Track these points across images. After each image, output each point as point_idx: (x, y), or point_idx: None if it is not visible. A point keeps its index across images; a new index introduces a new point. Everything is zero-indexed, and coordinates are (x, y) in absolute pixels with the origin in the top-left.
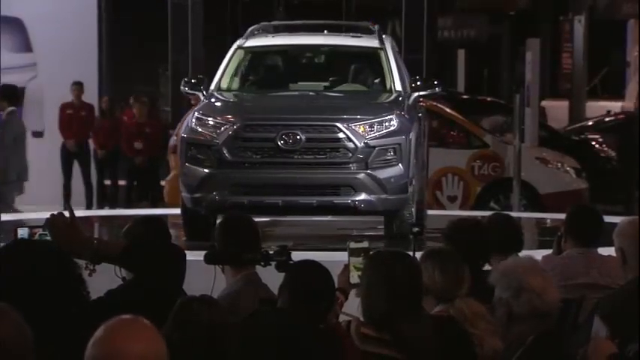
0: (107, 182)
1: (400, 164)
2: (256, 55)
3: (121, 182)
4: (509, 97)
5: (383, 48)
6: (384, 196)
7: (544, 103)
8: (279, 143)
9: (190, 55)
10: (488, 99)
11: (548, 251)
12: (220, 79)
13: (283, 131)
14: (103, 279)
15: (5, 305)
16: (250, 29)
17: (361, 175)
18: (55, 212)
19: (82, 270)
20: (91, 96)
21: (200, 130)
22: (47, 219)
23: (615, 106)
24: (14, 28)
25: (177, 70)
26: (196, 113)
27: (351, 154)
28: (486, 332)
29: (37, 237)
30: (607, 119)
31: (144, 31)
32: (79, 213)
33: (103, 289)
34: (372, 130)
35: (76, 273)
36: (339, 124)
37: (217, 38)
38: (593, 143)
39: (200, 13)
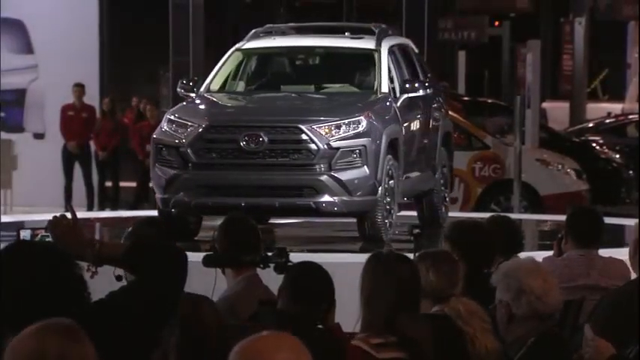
0: (108, 184)
1: (365, 166)
2: (253, 56)
3: (123, 184)
4: (509, 99)
5: (378, 50)
6: (346, 197)
7: (545, 104)
8: (241, 145)
9: (191, 57)
10: (489, 100)
11: (549, 253)
12: (211, 81)
13: (246, 133)
14: (104, 281)
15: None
16: (253, 31)
17: (323, 177)
18: (57, 214)
19: (83, 272)
20: (92, 97)
21: (170, 132)
22: (49, 221)
23: (616, 107)
24: (15, 29)
25: (177, 72)
26: (168, 115)
27: (313, 156)
28: (479, 330)
29: (38, 238)
30: (607, 121)
31: (145, 33)
32: (80, 214)
33: (105, 291)
34: (337, 132)
35: (78, 274)
36: (301, 126)
37: (218, 40)
38: (594, 145)
39: (201, 15)
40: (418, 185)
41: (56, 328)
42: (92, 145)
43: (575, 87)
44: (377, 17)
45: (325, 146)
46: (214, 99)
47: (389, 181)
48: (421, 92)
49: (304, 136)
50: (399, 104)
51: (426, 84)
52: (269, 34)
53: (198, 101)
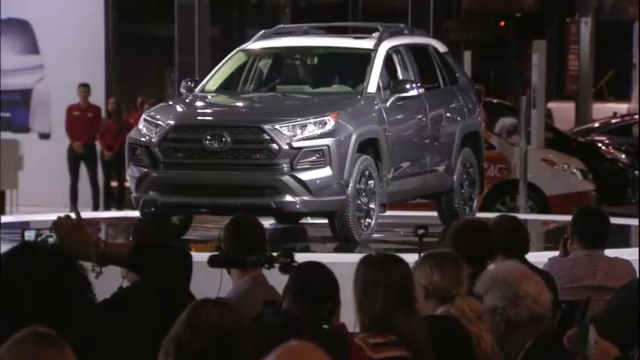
0: (114, 184)
1: (329, 166)
2: (255, 57)
3: (128, 184)
4: (515, 99)
5: (375, 50)
6: (307, 197)
7: (550, 104)
8: (205, 144)
9: (197, 57)
10: (495, 101)
11: (555, 253)
12: (208, 81)
13: (209, 133)
14: (109, 281)
15: None
16: (263, 31)
17: (284, 177)
18: (62, 215)
19: (88, 272)
20: (97, 98)
21: (142, 131)
22: (54, 221)
23: (621, 107)
24: (21, 30)
25: (183, 72)
26: (144, 115)
27: (275, 156)
28: (485, 330)
29: (41, 238)
30: (613, 121)
31: (150, 33)
32: (86, 214)
33: (110, 291)
34: (301, 132)
35: (82, 275)
36: (263, 126)
37: (224, 40)
38: (600, 145)
39: (207, 16)
40: (424, 185)
41: (33, 336)
42: (98, 145)
43: (580, 87)
44: (382, 17)
45: (286, 146)
46: (194, 99)
47: (367, 181)
48: (414, 92)
49: (266, 136)
50: (387, 104)
51: (418, 84)
52: (278, 34)
53: (178, 101)
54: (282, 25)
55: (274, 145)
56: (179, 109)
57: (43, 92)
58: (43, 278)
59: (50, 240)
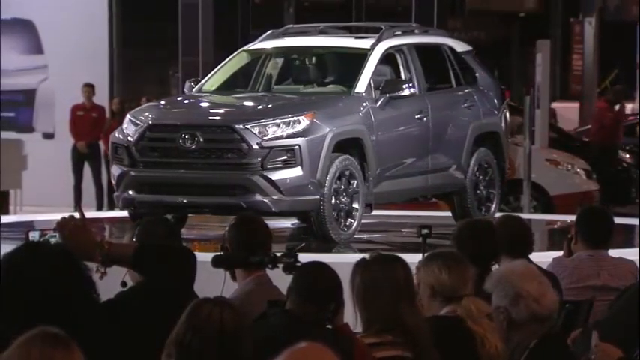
0: None
1: (300, 166)
2: (257, 57)
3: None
4: (519, 99)
5: (372, 49)
6: (277, 197)
7: (554, 104)
8: (179, 144)
9: (200, 57)
10: None
11: (559, 253)
12: (206, 81)
13: (183, 132)
14: (113, 281)
15: None
16: (270, 31)
17: (254, 177)
18: (67, 215)
19: (92, 272)
20: (101, 97)
21: (125, 131)
22: (58, 222)
23: (626, 107)
24: (25, 30)
25: (187, 72)
26: (128, 114)
27: (245, 155)
28: (489, 331)
29: (45, 238)
30: None
31: (154, 33)
32: (90, 214)
33: (114, 292)
34: (274, 131)
35: (86, 275)
36: (234, 126)
37: (228, 40)
38: None
39: (210, 15)
40: (426, 185)
41: (42, 336)
42: (102, 145)
43: (585, 87)
44: (386, 17)
45: (257, 146)
46: (183, 98)
47: (349, 181)
48: (406, 92)
49: (236, 136)
50: (377, 104)
51: (411, 84)
52: (287, 34)
53: (165, 101)
54: (292, 25)
55: (244, 145)
56: (160, 108)
57: (47, 92)
58: (47, 278)
59: (53, 240)
